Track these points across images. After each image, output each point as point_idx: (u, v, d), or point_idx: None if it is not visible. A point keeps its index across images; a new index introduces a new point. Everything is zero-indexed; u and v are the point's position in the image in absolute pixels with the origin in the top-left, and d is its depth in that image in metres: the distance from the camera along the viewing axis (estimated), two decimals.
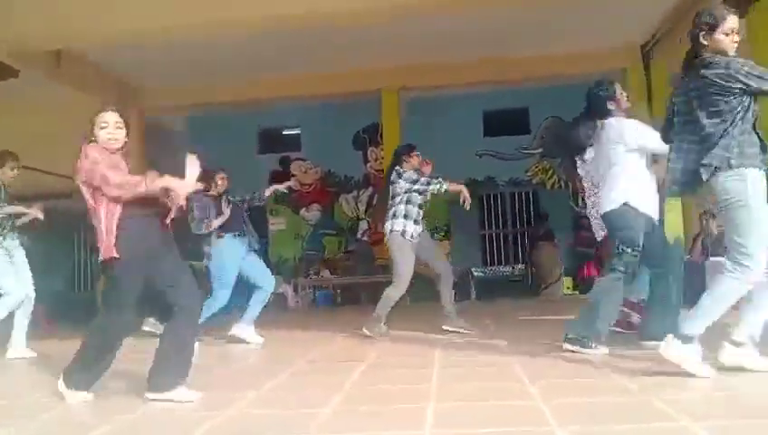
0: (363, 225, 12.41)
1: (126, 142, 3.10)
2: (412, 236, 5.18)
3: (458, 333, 5.11)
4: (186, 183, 2.96)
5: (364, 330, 5.14)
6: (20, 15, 7.02)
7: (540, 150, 12.15)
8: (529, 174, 12.20)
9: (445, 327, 5.23)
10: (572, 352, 3.68)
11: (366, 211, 12.45)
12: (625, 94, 4.05)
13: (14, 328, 5.11)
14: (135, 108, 10.09)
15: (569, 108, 11.28)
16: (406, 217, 5.18)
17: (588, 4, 7.84)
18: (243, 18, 7.18)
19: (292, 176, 11.84)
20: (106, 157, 2.96)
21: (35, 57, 8.14)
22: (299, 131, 12.88)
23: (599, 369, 3.21)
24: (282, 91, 10.59)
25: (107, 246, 2.91)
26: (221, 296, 5.18)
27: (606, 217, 3.91)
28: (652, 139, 3.72)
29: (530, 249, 11.43)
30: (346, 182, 12.56)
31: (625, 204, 3.76)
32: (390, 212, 5.27)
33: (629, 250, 3.71)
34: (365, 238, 12.30)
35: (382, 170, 11.49)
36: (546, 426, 2.16)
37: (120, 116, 3.07)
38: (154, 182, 2.89)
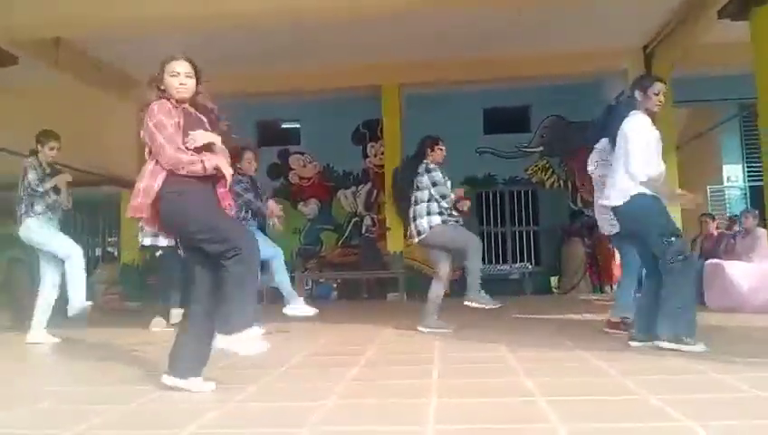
0: (367, 220, 12.38)
1: (198, 92, 3.03)
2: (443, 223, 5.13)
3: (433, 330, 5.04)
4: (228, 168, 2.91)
5: (471, 304, 4.96)
6: (19, 2, 6.98)
7: (540, 149, 12.16)
8: (528, 173, 12.21)
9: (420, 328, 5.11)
10: (672, 349, 3.56)
11: (365, 207, 12.44)
12: (660, 98, 3.90)
13: (36, 309, 5.15)
14: (134, 98, 10.06)
15: (570, 107, 11.44)
16: (440, 213, 5.11)
17: (590, 4, 7.84)
18: (243, 11, 7.15)
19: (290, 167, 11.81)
20: (171, 121, 2.85)
21: (34, 45, 8.11)
22: (298, 125, 12.85)
23: (599, 368, 3.20)
24: (282, 86, 10.57)
25: (137, 205, 2.84)
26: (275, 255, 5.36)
27: (625, 211, 3.82)
28: (639, 153, 3.69)
29: (560, 245, 11.34)
30: (345, 177, 12.54)
31: (639, 194, 3.73)
32: (423, 209, 5.16)
33: (673, 238, 3.67)
34: (369, 234, 12.28)
35: (382, 166, 11.51)
36: (548, 423, 2.15)
37: (191, 65, 2.99)
38: (211, 162, 2.84)
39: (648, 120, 3.81)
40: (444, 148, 5.36)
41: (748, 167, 11.01)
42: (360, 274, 11.37)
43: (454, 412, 2.40)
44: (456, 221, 5.21)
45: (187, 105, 3.01)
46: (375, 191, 12.31)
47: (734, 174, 11.15)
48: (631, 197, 3.74)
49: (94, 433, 2.27)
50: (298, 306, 5.20)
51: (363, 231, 12.37)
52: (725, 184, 11.15)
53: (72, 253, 5.16)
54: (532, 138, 12.21)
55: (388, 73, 10.47)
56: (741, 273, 6.58)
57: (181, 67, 2.97)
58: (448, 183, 5.26)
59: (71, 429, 2.29)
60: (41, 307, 5.17)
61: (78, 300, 5.12)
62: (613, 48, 9.57)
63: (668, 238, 3.66)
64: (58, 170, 5.39)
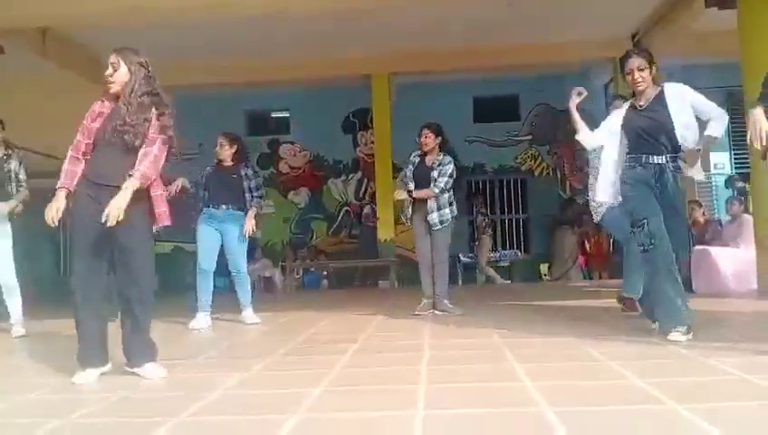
0: (367, 209, 12.37)
1: (129, 86, 3.01)
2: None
3: (446, 313, 5.28)
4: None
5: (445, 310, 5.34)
6: None
7: (529, 137, 12.20)
8: (518, 161, 12.25)
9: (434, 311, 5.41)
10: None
11: (356, 196, 12.44)
12: (631, 76, 3.85)
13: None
14: None
15: (558, 96, 11.45)
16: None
17: None
18: (231, 0, 7.10)
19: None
20: (89, 113, 3.03)
21: (21, 34, 8.02)
22: (288, 114, 12.81)
23: (587, 352, 3.24)
24: (272, 75, 10.52)
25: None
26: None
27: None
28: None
29: (550, 232, 11.35)
30: (335, 166, 12.53)
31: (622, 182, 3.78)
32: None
33: (636, 229, 3.65)
34: (369, 223, 12.27)
35: (372, 155, 11.53)
36: (536, 407, 2.18)
37: (118, 55, 3.04)
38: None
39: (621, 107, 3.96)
40: (421, 134, 5.46)
41: (735, 155, 11.09)
42: (351, 262, 11.40)
43: (444, 398, 2.43)
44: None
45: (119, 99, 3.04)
46: (365, 180, 12.30)
47: (720, 162, 11.24)
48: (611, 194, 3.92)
49: (88, 422, 2.29)
50: (248, 315, 5.37)
51: (362, 220, 12.37)
52: (712, 172, 11.23)
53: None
54: (521, 126, 12.24)
55: (378, 63, 10.46)
56: (727, 258, 6.66)
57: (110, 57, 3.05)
58: (441, 172, 5.37)
59: (65, 417, 2.31)
60: (8, 299, 5.07)
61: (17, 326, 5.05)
62: (601, 37, 9.59)
63: (633, 228, 3.70)
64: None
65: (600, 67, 10.42)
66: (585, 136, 4.02)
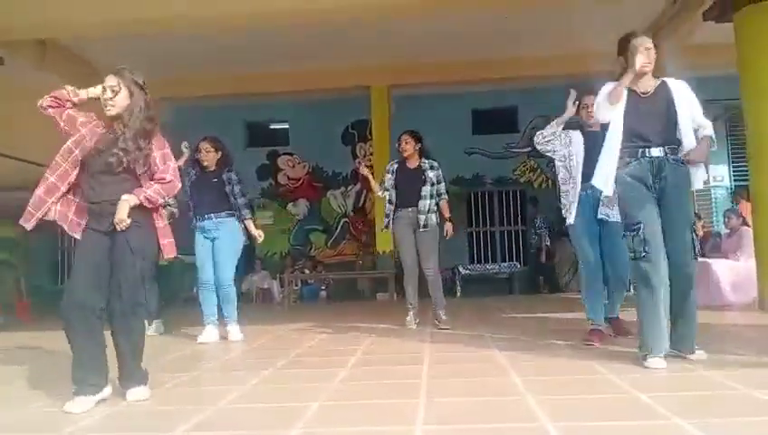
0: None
1: (129, 110, 2.87)
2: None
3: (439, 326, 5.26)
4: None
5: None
6: (4, 3, 6.91)
7: (528, 149, 12.20)
8: (517, 173, 12.25)
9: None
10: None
11: (354, 208, 12.43)
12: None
13: None
14: None
15: (557, 108, 11.46)
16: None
17: (575, 7, 7.88)
18: (231, 13, 7.10)
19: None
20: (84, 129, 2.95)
21: (21, 46, 8.03)
22: (287, 126, 12.83)
23: (588, 366, 3.21)
24: (272, 87, 10.54)
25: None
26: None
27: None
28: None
29: (551, 243, 11.25)
30: (334, 178, 12.53)
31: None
32: None
33: (627, 232, 3.24)
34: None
35: (371, 166, 11.51)
36: (537, 422, 2.16)
37: (117, 77, 2.90)
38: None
39: None
40: (401, 141, 5.56)
41: (734, 167, 11.11)
42: (352, 274, 11.36)
43: (442, 412, 2.41)
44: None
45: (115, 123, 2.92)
46: (364, 192, 12.30)
47: (719, 174, 11.25)
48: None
49: None
50: (232, 331, 5.21)
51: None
52: (711, 184, 11.24)
53: None
54: (520, 138, 12.26)
55: (377, 75, 10.47)
56: (727, 271, 6.65)
57: (107, 80, 2.93)
58: (438, 178, 5.50)
59: (60, 430, 2.28)
60: None
61: None
62: (599, 50, 9.56)
63: (625, 232, 3.27)
64: None
65: (599, 79, 10.44)
66: (601, 107, 3.45)
